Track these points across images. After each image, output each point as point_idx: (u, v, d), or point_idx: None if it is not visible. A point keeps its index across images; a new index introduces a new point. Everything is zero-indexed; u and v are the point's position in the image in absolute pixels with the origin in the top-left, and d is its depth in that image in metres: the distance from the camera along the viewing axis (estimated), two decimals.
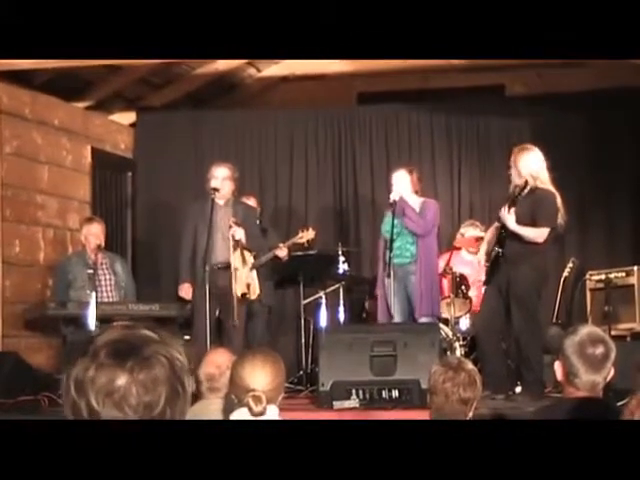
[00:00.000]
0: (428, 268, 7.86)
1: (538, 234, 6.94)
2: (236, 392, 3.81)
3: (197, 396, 4.49)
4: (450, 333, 7.90)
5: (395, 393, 6.46)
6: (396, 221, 7.69)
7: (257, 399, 3.68)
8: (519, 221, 6.92)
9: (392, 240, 7.67)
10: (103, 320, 7.21)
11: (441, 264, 8.26)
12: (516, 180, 7.06)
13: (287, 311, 9.36)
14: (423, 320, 7.68)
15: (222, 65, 9.68)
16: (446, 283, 8.32)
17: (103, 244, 8.14)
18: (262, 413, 3.68)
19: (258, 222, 8.30)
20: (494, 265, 7.07)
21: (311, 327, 8.86)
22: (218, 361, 4.60)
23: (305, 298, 8.82)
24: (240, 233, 7.64)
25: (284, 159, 9.89)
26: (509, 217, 6.94)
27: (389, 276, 7.63)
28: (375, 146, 9.77)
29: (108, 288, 8.11)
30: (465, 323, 8.27)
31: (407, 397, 6.39)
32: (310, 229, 8.39)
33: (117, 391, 1.78)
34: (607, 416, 3.47)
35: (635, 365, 5.69)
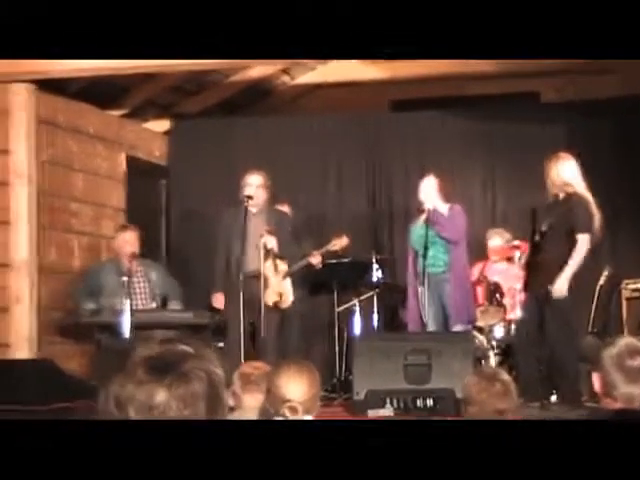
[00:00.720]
0: (462, 276, 7.85)
1: (581, 250, 6.90)
2: (272, 402, 3.80)
3: (232, 409, 4.47)
4: (484, 341, 7.86)
5: (429, 402, 6.44)
6: (428, 230, 7.67)
7: (293, 409, 3.68)
8: (554, 230, 6.90)
9: (426, 248, 7.64)
10: (137, 327, 7.24)
11: (475, 272, 8.24)
12: (550, 190, 7.05)
13: (321, 319, 9.34)
14: (458, 327, 7.66)
15: (256, 72, 9.70)
16: (480, 291, 8.30)
17: (137, 252, 8.16)
18: None
19: (291, 230, 8.28)
20: (532, 273, 7.04)
21: (345, 335, 8.83)
22: (254, 364, 4.64)
23: (339, 306, 8.80)
24: (272, 241, 7.64)
25: (317, 166, 9.88)
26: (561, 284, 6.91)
27: (422, 284, 7.62)
28: (408, 153, 9.75)
29: (143, 296, 8.12)
30: (499, 331, 8.22)
31: (441, 406, 6.37)
32: (344, 237, 8.35)
33: (157, 407, 1.80)
34: None
35: None
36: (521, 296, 8.01)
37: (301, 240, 8.64)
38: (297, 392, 3.73)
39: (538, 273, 6.99)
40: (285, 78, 10.33)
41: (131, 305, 7.38)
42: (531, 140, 9.42)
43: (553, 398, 7.02)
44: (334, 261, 8.51)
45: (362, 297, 8.78)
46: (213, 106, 10.22)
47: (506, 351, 7.96)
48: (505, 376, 3.97)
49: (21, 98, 8.15)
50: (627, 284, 8.50)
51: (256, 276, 7.52)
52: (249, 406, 4.42)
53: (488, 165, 9.65)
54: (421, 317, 7.77)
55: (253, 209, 7.74)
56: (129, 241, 8.16)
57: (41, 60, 6.91)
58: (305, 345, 8.79)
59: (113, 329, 7.47)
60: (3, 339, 8.06)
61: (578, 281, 7.04)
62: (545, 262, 6.96)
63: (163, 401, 1.80)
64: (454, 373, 6.31)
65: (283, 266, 7.82)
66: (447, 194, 7.92)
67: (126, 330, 7.22)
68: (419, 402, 6.43)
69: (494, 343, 8.00)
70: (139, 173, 9.72)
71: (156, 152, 10.07)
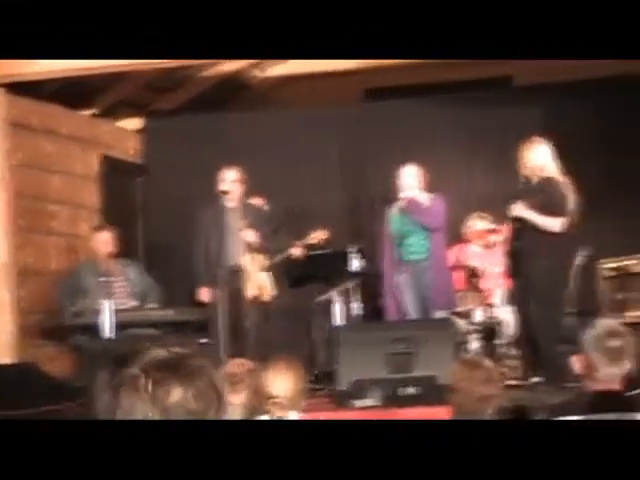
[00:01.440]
0: (442, 262, 7.89)
1: (553, 223, 6.96)
2: (258, 399, 3.82)
3: None
4: (464, 326, 7.90)
5: (413, 390, 6.47)
6: (407, 218, 7.70)
7: (279, 406, 3.69)
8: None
9: (405, 236, 7.67)
10: (120, 327, 7.23)
11: (450, 257, 8.28)
12: (524, 174, 7.11)
13: (302, 311, 9.35)
14: (440, 314, 7.69)
15: (227, 67, 9.68)
16: (458, 276, 8.33)
17: (114, 251, 8.14)
18: None
19: (268, 223, 8.28)
20: (515, 260, 7.11)
21: (326, 326, 8.84)
22: (238, 362, 4.64)
23: (319, 296, 8.82)
24: (251, 235, 7.65)
25: (293, 159, 9.88)
26: (519, 207, 6.98)
27: (401, 272, 7.65)
28: (383, 141, 9.75)
29: (122, 295, 8.11)
30: (479, 315, 8.26)
31: (426, 393, 6.39)
32: (322, 229, 8.36)
33: (170, 404, 1.89)
34: (628, 408, 3.50)
35: None
36: (501, 280, 8.08)
37: (279, 234, 8.65)
38: (283, 388, 3.76)
39: (520, 259, 7.05)
40: (256, 71, 10.32)
41: (111, 305, 7.36)
42: (505, 123, 9.44)
43: (535, 379, 7.08)
44: (314, 252, 8.53)
45: (341, 287, 8.79)
46: (186, 102, 10.20)
47: (487, 335, 8.01)
48: (488, 362, 4.01)
49: None
50: (603, 263, 8.55)
51: (236, 270, 7.54)
52: (235, 403, 4.44)
53: (466, 150, 9.67)
54: (400, 304, 7.80)
55: (230, 204, 7.75)
56: (105, 241, 8.13)
57: (11, 60, 6.87)
58: (287, 337, 8.81)
59: (95, 330, 7.47)
60: None
61: (556, 262, 7.10)
62: (525, 247, 7.02)
63: (176, 399, 1.89)
64: (436, 360, 6.35)
65: (263, 260, 7.84)
66: (426, 181, 7.94)
67: (107, 330, 7.22)
68: (403, 390, 6.45)
69: (474, 327, 8.04)
70: (115, 172, 9.69)
71: (131, 151, 10.04)
